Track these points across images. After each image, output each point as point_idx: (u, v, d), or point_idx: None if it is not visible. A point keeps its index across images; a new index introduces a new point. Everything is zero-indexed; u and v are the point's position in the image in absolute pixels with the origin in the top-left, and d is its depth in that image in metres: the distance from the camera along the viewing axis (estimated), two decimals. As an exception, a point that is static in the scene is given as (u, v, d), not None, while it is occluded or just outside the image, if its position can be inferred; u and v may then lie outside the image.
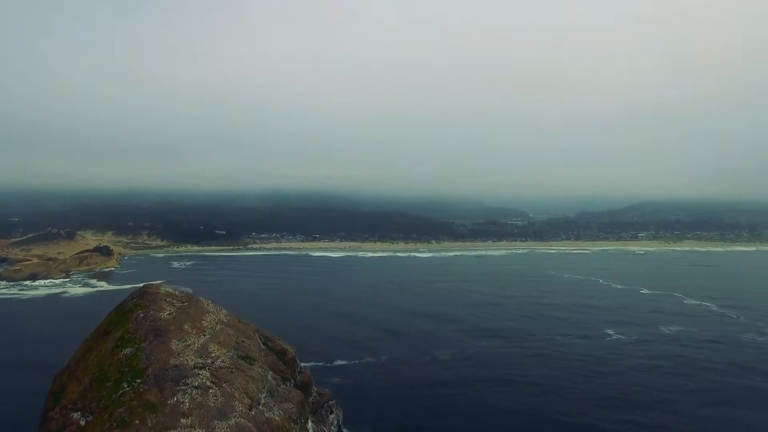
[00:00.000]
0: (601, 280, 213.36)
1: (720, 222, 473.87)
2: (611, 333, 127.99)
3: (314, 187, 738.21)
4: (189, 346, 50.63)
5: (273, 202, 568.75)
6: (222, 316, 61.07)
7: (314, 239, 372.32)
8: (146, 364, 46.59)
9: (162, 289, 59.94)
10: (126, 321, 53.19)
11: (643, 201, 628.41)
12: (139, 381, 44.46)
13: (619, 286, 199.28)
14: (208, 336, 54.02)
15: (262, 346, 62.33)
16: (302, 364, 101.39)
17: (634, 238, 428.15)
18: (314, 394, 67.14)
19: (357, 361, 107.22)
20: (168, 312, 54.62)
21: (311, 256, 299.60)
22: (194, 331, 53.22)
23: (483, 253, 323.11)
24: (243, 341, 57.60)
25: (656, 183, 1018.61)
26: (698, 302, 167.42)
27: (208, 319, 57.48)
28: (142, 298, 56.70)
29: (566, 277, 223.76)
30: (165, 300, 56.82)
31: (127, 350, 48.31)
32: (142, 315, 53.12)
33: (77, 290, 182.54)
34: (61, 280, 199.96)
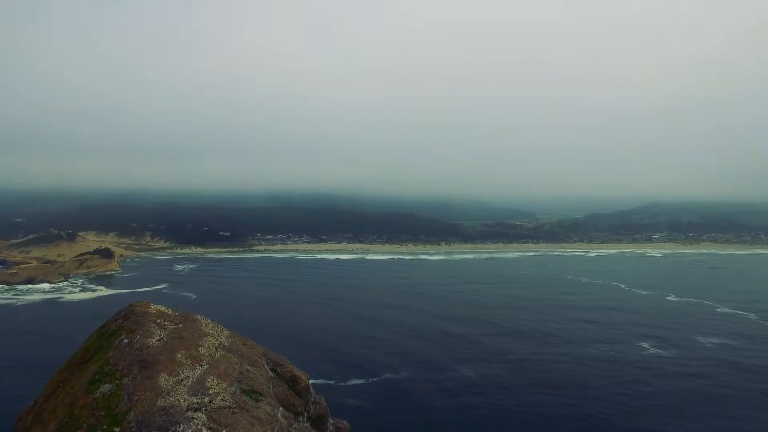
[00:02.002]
0: (622, 285, 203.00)
1: (734, 223, 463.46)
2: (646, 346, 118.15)
3: (320, 188, 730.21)
4: (182, 381, 41.34)
5: (278, 202, 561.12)
6: (223, 338, 51.76)
7: (321, 240, 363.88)
8: (128, 406, 37.26)
9: (152, 307, 50.64)
10: (107, 348, 44.02)
11: (653, 202, 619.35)
12: (117, 430, 35.34)
13: (642, 292, 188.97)
14: (205, 366, 44.74)
15: (270, 374, 53.01)
16: (314, 381, 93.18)
17: (648, 240, 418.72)
18: (331, 428, 57.83)
19: (376, 378, 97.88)
20: (158, 337, 45.37)
21: (318, 258, 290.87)
22: (189, 361, 43.96)
23: (495, 255, 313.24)
24: (247, 370, 48.30)
25: (662, 184, 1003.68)
26: (732, 310, 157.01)
27: (207, 344, 48.20)
28: (128, 319, 47.49)
29: (585, 282, 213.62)
30: (155, 322, 47.58)
31: (105, 387, 39.00)
32: (126, 341, 43.90)
33: (75, 295, 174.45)
34: (59, 284, 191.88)
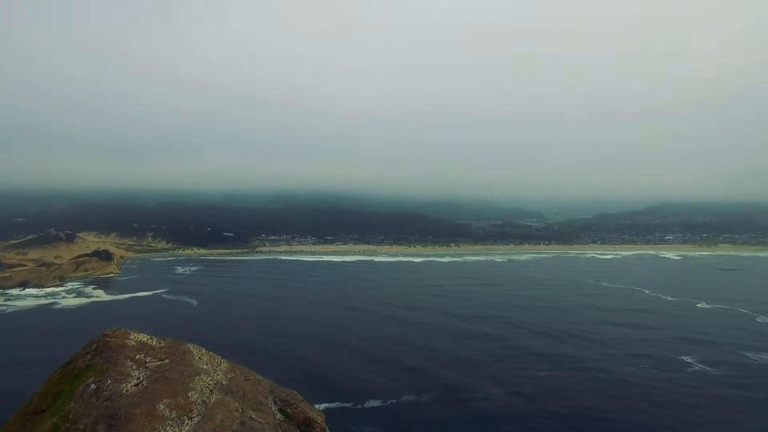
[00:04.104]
0: (646, 291, 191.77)
1: (750, 224, 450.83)
2: (690, 361, 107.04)
3: (324, 187, 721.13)
4: (164, 443, 31.55)
5: (283, 202, 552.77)
6: (221, 374, 41.88)
7: (326, 241, 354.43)
8: (86, 487, 27.56)
9: (132, 337, 40.74)
10: (69, 395, 34.28)
11: (663, 202, 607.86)
12: None
13: (669, 298, 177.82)
14: (196, 419, 34.83)
15: (279, 417, 43.14)
16: (328, 406, 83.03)
17: (662, 241, 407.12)
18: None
19: (395, 400, 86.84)
20: (135, 381, 35.50)
21: (325, 260, 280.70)
22: (174, 413, 34.05)
23: (508, 257, 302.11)
24: (251, 418, 38.39)
25: (671, 183, 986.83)
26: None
27: (200, 385, 38.30)
28: (100, 354, 37.70)
29: (606, 287, 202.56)
30: (133, 359, 37.70)
31: (60, 457, 29.33)
32: (93, 387, 34.14)
33: (69, 301, 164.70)
34: (54, 288, 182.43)
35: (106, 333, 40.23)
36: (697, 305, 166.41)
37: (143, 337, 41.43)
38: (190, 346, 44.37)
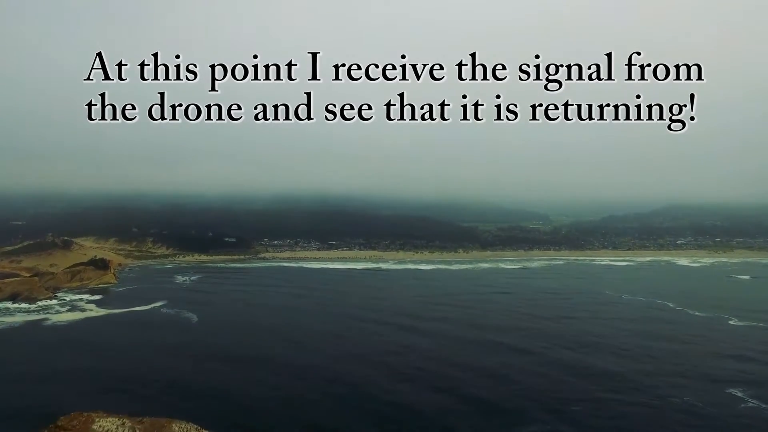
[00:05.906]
0: (670, 304, 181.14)
1: (763, 227, 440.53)
2: (739, 394, 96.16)
3: (326, 189, 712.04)
4: None
5: (285, 204, 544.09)
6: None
7: (331, 247, 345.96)
8: None
9: (96, 424, 30.70)
10: None
11: (670, 204, 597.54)
12: None
13: (697, 314, 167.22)
14: None
15: None
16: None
17: (675, 246, 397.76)
18: None
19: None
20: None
21: (331, 267, 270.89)
22: None
23: (520, 264, 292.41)
24: None
25: (671, 184, 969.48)
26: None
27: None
28: (51, 458, 27.84)
29: (626, 300, 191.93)
30: (95, 470, 27.80)
31: None
32: None
33: (62, 316, 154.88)
34: (47, 301, 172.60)
35: (59, 423, 30.17)
36: (729, 322, 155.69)
37: (111, 425, 31.44)
38: (175, 427, 34.41)
